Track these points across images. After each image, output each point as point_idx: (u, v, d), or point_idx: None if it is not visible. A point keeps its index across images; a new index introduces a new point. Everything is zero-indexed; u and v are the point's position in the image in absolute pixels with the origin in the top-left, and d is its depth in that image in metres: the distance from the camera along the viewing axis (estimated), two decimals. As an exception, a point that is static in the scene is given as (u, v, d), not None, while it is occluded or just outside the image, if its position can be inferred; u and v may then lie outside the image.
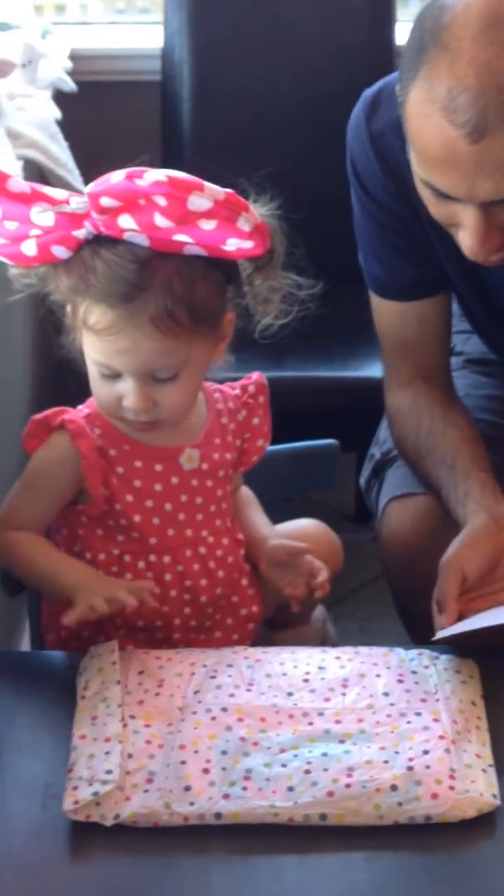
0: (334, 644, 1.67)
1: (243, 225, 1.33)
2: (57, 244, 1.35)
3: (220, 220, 1.32)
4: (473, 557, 1.49)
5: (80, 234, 1.34)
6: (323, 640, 1.70)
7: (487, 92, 1.31)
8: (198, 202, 1.30)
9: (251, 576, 1.59)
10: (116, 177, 1.32)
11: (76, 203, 1.33)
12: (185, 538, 1.52)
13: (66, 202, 1.34)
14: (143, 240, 1.33)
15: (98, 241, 1.35)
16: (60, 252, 1.36)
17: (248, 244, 1.35)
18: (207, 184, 1.32)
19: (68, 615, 1.40)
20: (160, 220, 1.31)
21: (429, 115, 1.35)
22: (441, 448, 1.65)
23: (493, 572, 1.50)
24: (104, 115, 2.75)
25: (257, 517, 1.63)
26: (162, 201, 1.30)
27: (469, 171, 1.35)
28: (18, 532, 1.48)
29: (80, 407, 1.50)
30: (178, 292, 1.36)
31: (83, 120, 2.54)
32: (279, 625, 1.68)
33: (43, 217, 1.33)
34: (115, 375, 1.40)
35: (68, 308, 1.42)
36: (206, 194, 1.30)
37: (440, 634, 1.42)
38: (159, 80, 2.75)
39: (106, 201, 1.31)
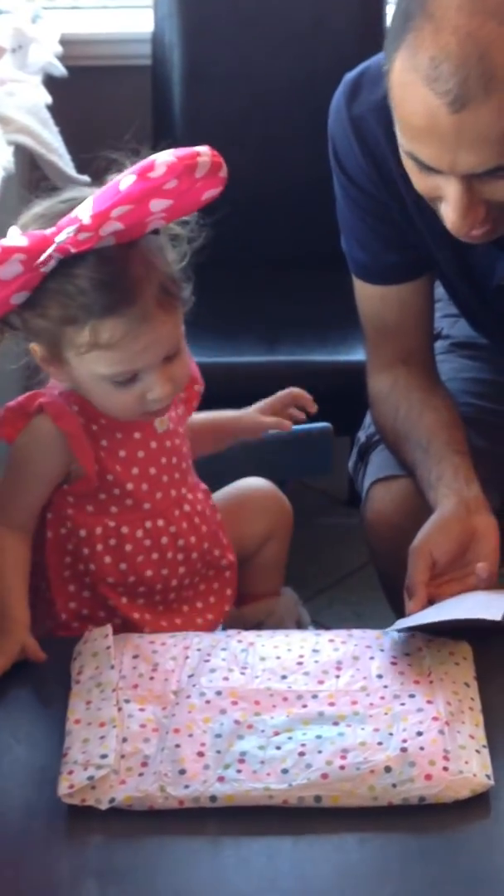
0: (306, 626, 1.69)
1: (201, 171, 1.31)
2: (17, 292, 1.34)
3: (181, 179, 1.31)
4: (442, 542, 1.49)
5: (49, 266, 1.33)
6: (297, 623, 1.72)
7: (469, 61, 1.30)
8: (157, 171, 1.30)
9: (222, 525, 1.61)
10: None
11: (66, 234, 1.31)
12: (172, 499, 1.53)
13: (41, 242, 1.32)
14: (109, 239, 1.33)
15: (62, 265, 1.33)
16: (20, 298, 1.35)
17: (215, 190, 1.35)
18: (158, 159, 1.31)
19: None
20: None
21: (411, 83, 1.34)
22: (417, 431, 1.65)
23: (462, 556, 1.50)
24: (95, 100, 2.74)
25: (213, 414, 1.67)
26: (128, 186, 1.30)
27: (450, 142, 1.34)
28: (6, 538, 1.47)
29: (48, 388, 1.49)
30: (160, 267, 1.38)
31: (74, 105, 2.53)
32: (249, 599, 1.69)
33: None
34: (131, 379, 1.40)
35: (36, 348, 1.41)
36: (160, 165, 1.29)
37: (401, 624, 1.42)
38: (150, 64, 2.75)
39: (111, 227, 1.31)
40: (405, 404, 1.69)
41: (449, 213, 1.41)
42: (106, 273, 1.34)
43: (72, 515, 1.50)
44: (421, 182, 1.43)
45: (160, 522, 1.52)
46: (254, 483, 1.71)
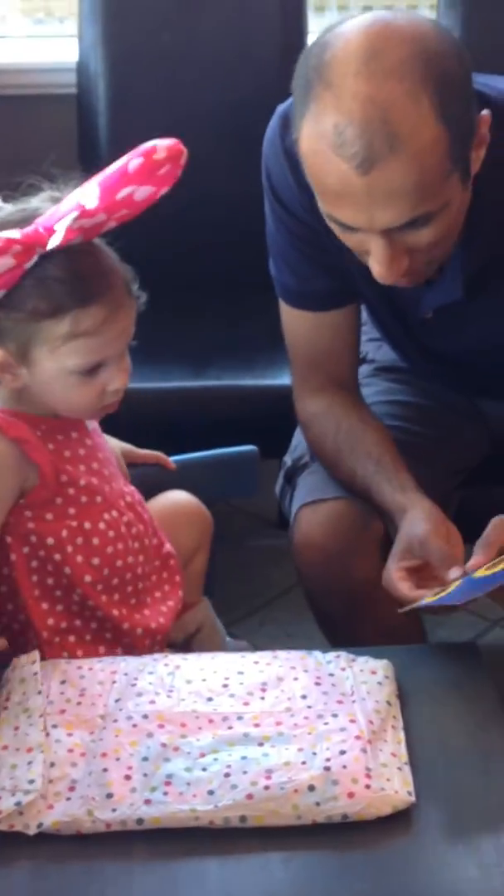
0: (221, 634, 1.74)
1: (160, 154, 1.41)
2: (1, 288, 1.39)
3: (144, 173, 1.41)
4: (444, 532, 1.53)
5: (32, 262, 1.39)
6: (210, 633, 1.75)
7: (372, 124, 1.35)
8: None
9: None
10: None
11: (54, 242, 1.38)
12: (116, 490, 1.58)
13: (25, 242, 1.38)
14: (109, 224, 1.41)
15: (48, 257, 1.40)
16: None
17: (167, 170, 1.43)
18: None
19: None
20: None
21: (320, 151, 1.39)
22: (364, 445, 1.68)
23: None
24: (20, 129, 2.75)
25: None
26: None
27: (364, 202, 1.39)
28: None
29: None
30: (118, 257, 1.47)
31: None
32: (184, 608, 1.71)
33: None
34: (96, 368, 1.45)
35: (11, 347, 1.44)
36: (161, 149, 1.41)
37: (429, 602, 1.44)
38: (75, 93, 2.76)
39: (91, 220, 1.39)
40: (346, 421, 1.71)
41: (375, 267, 1.46)
42: (83, 265, 1.42)
43: (34, 529, 1.52)
44: (346, 238, 1.48)
45: (114, 514, 1.56)
46: (179, 497, 1.75)
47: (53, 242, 1.38)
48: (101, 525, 1.55)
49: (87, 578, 1.53)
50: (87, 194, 1.41)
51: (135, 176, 1.40)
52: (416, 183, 1.37)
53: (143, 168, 1.40)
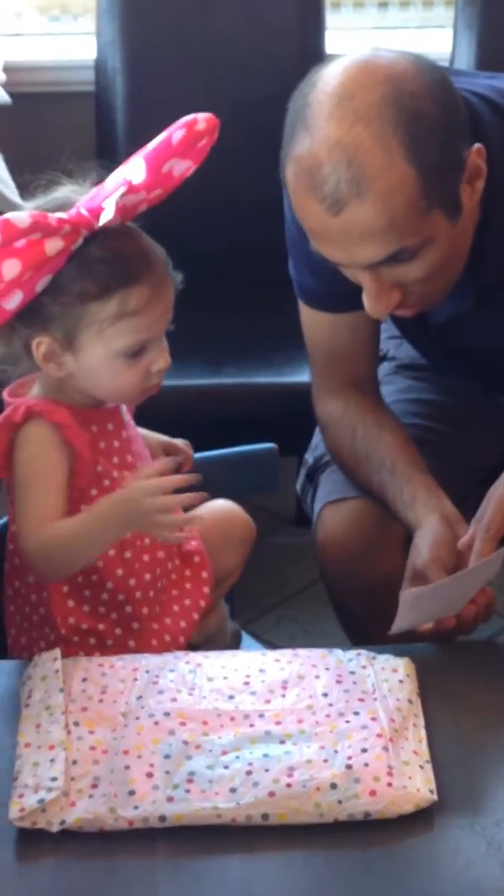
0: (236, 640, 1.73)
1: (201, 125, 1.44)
2: (44, 276, 1.40)
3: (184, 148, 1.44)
4: (446, 557, 1.53)
5: (77, 244, 1.40)
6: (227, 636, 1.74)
7: (339, 168, 1.39)
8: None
9: None
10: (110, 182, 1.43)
11: (106, 218, 1.40)
12: None
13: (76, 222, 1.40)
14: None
15: (88, 240, 1.41)
16: (44, 283, 1.41)
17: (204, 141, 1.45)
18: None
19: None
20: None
21: (299, 191, 1.44)
22: (379, 453, 1.68)
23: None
24: (39, 127, 2.76)
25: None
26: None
27: (341, 241, 1.44)
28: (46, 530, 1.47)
29: (10, 399, 1.52)
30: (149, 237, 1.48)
31: (17, 132, 2.55)
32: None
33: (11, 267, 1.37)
34: (140, 351, 1.46)
35: (42, 341, 1.44)
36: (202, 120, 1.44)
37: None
38: (93, 90, 2.77)
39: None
40: (361, 427, 1.72)
41: (365, 300, 1.50)
42: (124, 246, 1.44)
43: None
44: (344, 272, 1.50)
45: None
46: (231, 511, 1.72)
47: (105, 218, 1.39)
48: None
49: (119, 572, 1.53)
50: (134, 168, 1.43)
51: (178, 147, 1.42)
52: (388, 222, 1.41)
53: (185, 139, 1.42)
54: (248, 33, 2.71)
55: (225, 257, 2.70)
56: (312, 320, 1.76)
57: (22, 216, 1.36)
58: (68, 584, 1.52)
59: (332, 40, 2.77)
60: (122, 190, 1.40)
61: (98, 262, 1.42)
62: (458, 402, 1.86)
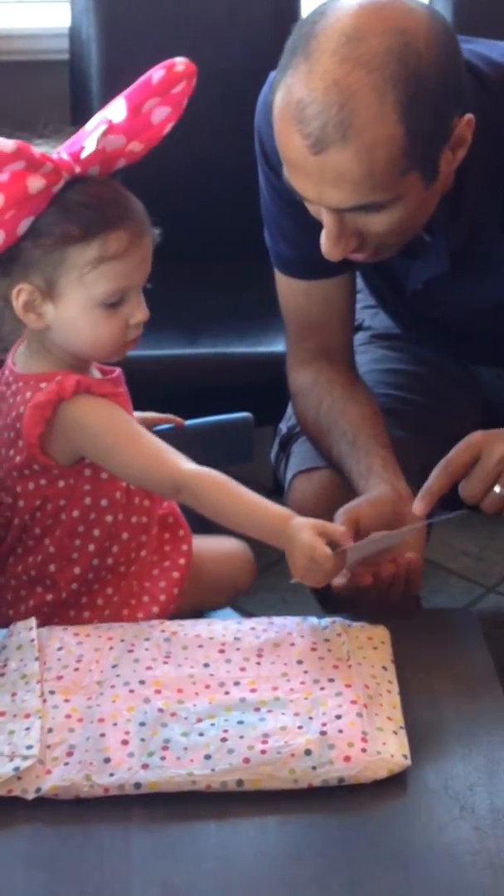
0: None
1: (180, 67, 1.44)
2: (26, 217, 1.40)
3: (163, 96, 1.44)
4: (372, 514, 1.52)
5: (58, 186, 1.41)
6: None
7: (330, 109, 1.37)
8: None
9: None
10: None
11: (87, 152, 1.41)
12: None
13: (49, 161, 1.40)
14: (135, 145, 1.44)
15: (68, 187, 1.42)
16: (25, 226, 1.42)
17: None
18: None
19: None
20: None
21: (284, 119, 1.42)
22: (341, 425, 1.68)
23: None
24: (12, 95, 2.74)
25: None
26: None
27: (315, 178, 1.43)
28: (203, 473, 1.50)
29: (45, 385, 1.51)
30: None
31: (-8, 100, 2.53)
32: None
33: None
34: (118, 302, 1.46)
35: (23, 288, 1.44)
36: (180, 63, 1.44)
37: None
38: (67, 59, 2.75)
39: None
40: (328, 399, 1.72)
41: (322, 240, 1.49)
42: (104, 192, 1.45)
43: (89, 491, 1.52)
44: (307, 206, 1.50)
45: None
46: (232, 550, 1.71)
47: (86, 152, 1.40)
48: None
49: (125, 535, 1.55)
50: (114, 109, 1.43)
51: (157, 87, 1.43)
52: (365, 173, 1.40)
53: (164, 80, 1.43)
54: (223, 1, 2.69)
55: (201, 226, 2.69)
56: (287, 288, 1.76)
57: (7, 142, 1.36)
58: (79, 551, 1.53)
59: (308, 4, 2.75)
60: (103, 128, 1.41)
61: (79, 205, 1.43)
62: (433, 372, 1.87)
